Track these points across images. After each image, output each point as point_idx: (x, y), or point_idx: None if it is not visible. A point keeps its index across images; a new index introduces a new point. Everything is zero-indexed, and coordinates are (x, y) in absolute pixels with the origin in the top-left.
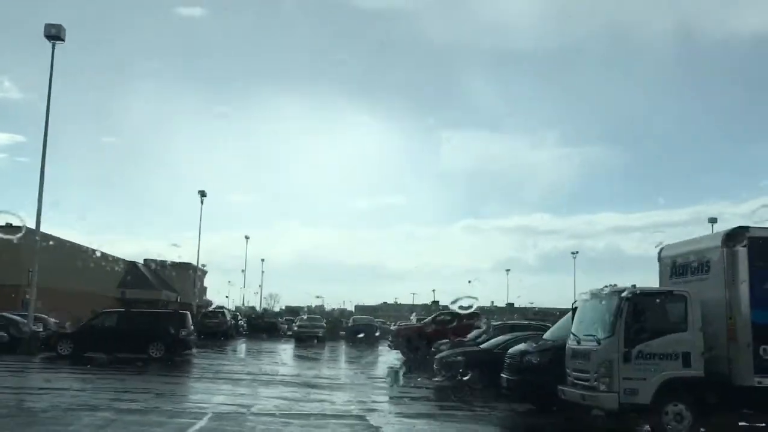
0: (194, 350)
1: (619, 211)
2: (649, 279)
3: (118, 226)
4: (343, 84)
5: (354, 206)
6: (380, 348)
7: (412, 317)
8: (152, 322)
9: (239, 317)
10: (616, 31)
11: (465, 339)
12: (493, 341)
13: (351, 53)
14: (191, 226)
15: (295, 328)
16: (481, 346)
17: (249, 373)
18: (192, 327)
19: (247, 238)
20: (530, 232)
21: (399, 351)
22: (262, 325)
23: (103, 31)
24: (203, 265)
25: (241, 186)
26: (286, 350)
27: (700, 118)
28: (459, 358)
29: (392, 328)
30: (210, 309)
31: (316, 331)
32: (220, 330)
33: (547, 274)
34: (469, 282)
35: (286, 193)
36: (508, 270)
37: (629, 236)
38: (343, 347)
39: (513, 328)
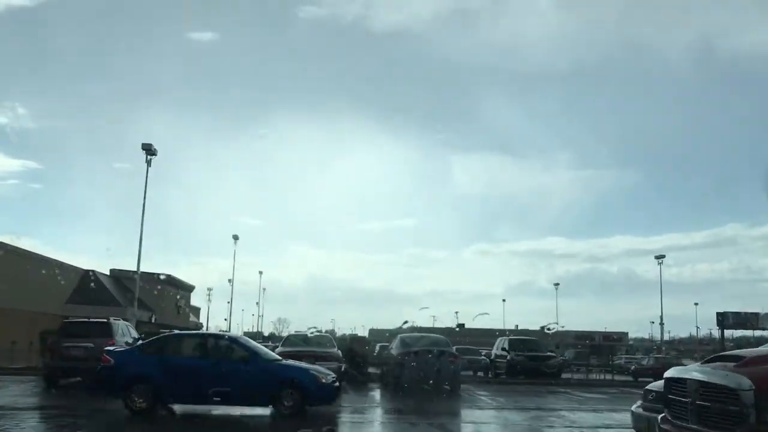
0: None
1: (634, 234)
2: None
3: (125, 250)
4: (355, 106)
5: (365, 229)
6: (478, 412)
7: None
8: None
9: None
10: (629, 52)
11: None
12: None
13: (362, 75)
14: (198, 251)
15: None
16: None
17: None
18: None
19: (235, 238)
20: (544, 255)
21: None
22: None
23: (113, 57)
24: (209, 289)
25: (251, 210)
26: None
27: (715, 139)
28: None
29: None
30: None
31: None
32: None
33: (563, 298)
34: (504, 300)
35: (296, 217)
36: (556, 284)
37: (645, 259)
38: (379, 409)
39: None
